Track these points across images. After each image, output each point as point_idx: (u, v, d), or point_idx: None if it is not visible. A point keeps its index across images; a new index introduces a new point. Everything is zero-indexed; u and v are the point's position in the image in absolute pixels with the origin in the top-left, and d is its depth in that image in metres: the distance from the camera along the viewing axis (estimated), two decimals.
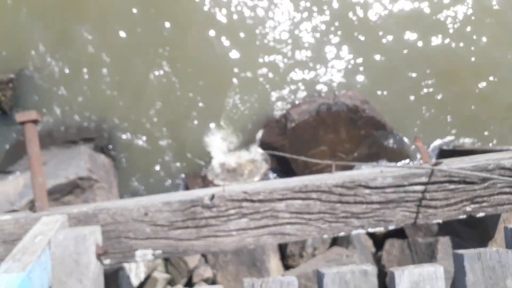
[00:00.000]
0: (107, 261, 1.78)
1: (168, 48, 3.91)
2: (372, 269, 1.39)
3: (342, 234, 1.89)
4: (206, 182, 3.67)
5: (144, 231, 1.80)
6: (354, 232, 1.90)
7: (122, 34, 3.88)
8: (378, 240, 3.58)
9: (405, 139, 3.96)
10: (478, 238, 2.90)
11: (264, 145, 3.93)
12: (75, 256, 1.48)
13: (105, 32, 3.87)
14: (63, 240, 1.48)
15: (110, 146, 3.70)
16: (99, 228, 1.70)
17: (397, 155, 3.91)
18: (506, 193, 1.92)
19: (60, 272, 1.47)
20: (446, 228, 3.25)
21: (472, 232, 3.09)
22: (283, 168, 3.93)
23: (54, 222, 1.62)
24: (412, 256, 3.16)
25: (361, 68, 4.11)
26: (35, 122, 1.80)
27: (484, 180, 1.88)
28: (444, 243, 3.03)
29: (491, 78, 4.09)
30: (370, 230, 1.90)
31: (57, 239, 1.48)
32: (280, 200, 1.87)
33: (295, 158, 3.73)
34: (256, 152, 3.88)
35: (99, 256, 1.59)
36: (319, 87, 4.07)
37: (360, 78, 4.10)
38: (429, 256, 3.05)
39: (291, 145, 3.85)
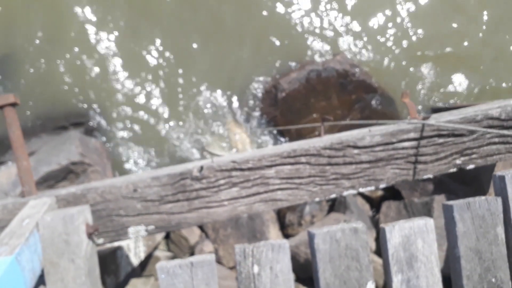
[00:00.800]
0: (100, 240, 1.78)
1: (155, 21, 3.84)
2: (362, 226, 1.39)
3: (333, 196, 1.89)
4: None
5: (135, 208, 1.79)
6: (345, 193, 1.89)
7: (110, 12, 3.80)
8: (375, 204, 3.60)
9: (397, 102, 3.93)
10: (473, 194, 2.91)
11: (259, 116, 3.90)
12: (64, 236, 1.47)
13: (98, 13, 3.79)
14: (51, 221, 1.47)
15: (101, 129, 3.67)
16: (88, 207, 1.69)
17: (389, 117, 3.89)
18: (495, 143, 1.90)
19: (50, 253, 1.47)
20: (441, 187, 3.26)
21: (467, 189, 3.11)
22: (277, 140, 3.92)
23: (41, 205, 1.61)
24: (409, 216, 3.18)
25: (349, 30, 4.04)
26: (13, 105, 1.76)
27: (473, 131, 1.87)
28: (439, 201, 3.04)
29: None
30: (361, 190, 1.90)
31: (44, 221, 1.47)
32: (270, 166, 1.85)
33: (287, 128, 3.72)
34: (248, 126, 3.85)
35: (90, 235, 1.59)
36: (307, 52, 4.01)
37: (348, 40, 4.03)
38: (426, 215, 3.07)
39: (283, 115, 3.83)
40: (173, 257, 3.27)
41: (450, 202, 1.41)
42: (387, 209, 3.35)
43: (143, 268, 2.98)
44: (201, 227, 3.38)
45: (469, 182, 3.16)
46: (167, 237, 3.33)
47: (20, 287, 1.27)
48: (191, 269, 1.32)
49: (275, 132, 3.87)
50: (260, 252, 1.34)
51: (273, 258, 1.34)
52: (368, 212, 3.62)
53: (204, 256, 1.35)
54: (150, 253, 3.07)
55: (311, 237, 1.38)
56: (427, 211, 3.07)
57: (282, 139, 3.84)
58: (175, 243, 3.34)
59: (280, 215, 3.53)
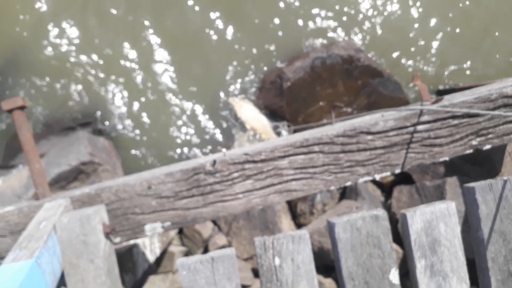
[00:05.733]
0: (117, 239, 1.77)
1: (158, 17, 3.80)
2: (383, 213, 1.37)
3: (348, 183, 1.86)
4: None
5: (150, 205, 1.78)
6: (360, 180, 1.87)
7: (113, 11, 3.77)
8: (386, 189, 3.57)
9: (404, 85, 3.88)
10: (485, 174, 2.88)
11: (261, 108, 3.87)
12: (82, 237, 1.47)
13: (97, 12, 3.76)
14: (68, 222, 1.46)
15: (108, 128, 3.66)
16: (103, 206, 1.68)
17: (396, 101, 3.85)
18: (511, 122, 1.87)
19: (69, 255, 1.46)
20: (452, 168, 3.23)
21: (479, 169, 3.07)
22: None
23: (57, 207, 1.60)
24: (422, 200, 3.16)
25: (351, 14, 3.99)
26: (22, 108, 1.75)
27: (482, 114, 1.83)
28: (452, 183, 3.01)
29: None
30: (377, 176, 1.87)
31: (61, 223, 1.46)
32: (283, 157, 1.83)
33: (298, 128, 3.68)
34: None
35: (107, 235, 1.58)
36: (310, 40, 3.96)
37: (350, 24, 3.98)
38: (438, 198, 3.04)
39: (289, 105, 3.80)
40: (187, 252, 3.28)
41: (472, 184, 1.38)
42: (399, 194, 3.33)
43: (158, 264, 2.98)
44: (213, 221, 3.38)
45: (480, 163, 3.13)
46: (180, 232, 3.33)
47: None
48: (212, 264, 1.31)
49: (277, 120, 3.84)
50: (281, 244, 1.33)
51: (294, 250, 1.33)
52: (380, 197, 3.59)
53: (224, 251, 1.34)
54: (165, 249, 3.08)
55: (331, 226, 1.37)
56: (440, 194, 3.04)
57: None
58: (189, 238, 3.35)
59: (292, 204, 3.52)
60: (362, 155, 1.84)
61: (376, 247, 1.34)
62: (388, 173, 1.87)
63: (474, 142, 1.87)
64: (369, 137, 1.83)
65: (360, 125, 1.83)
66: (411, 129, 1.84)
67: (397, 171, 1.86)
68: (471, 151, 1.89)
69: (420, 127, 1.85)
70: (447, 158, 1.88)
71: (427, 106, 1.81)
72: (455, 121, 1.85)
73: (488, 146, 1.88)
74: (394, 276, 1.34)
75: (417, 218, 1.35)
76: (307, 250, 1.33)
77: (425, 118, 1.84)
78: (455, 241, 1.34)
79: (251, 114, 3.79)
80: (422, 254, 1.34)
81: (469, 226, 1.45)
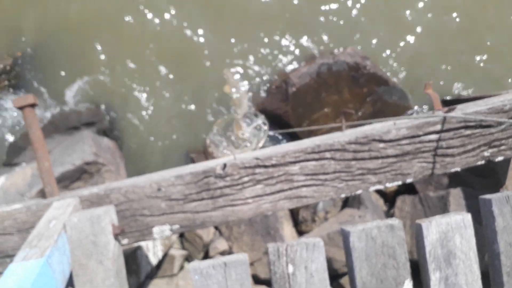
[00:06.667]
0: (125, 241, 1.75)
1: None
2: (398, 223, 1.35)
3: (359, 191, 1.85)
4: (206, 155, 3.62)
5: (159, 207, 1.76)
6: (371, 188, 1.86)
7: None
8: (390, 198, 3.56)
9: (409, 94, 3.88)
10: (490, 187, 2.87)
11: (266, 113, 3.86)
12: (92, 237, 1.45)
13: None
14: (78, 222, 1.44)
15: (113, 128, 3.64)
16: (113, 207, 1.67)
17: (401, 110, 3.85)
18: None
19: (79, 255, 1.44)
20: (456, 180, 3.22)
21: (483, 181, 3.06)
22: (289, 134, 3.89)
23: (66, 206, 1.58)
24: (425, 210, 3.14)
25: (358, 22, 3.99)
26: (33, 106, 1.73)
27: (501, 122, 1.83)
28: (455, 194, 3.00)
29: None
30: (388, 185, 1.86)
31: (72, 222, 1.44)
32: (294, 163, 1.82)
33: (301, 130, 3.67)
34: (258, 122, 3.81)
35: (116, 236, 1.56)
36: (316, 47, 3.96)
37: (356, 32, 3.99)
38: (442, 209, 3.03)
39: (294, 110, 3.79)
40: (188, 256, 3.25)
41: (488, 196, 1.37)
42: (402, 204, 3.31)
43: (158, 267, 2.96)
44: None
45: (485, 175, 3.12)
46: (181, 235, 3.31)
47: None
48: (225, 270, 1.29)
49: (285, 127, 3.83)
50: (294, 251, 1.31)
51: (307, 257, 1.31)
52: (383, 207, 3.58)
53: (237, 256, 1.32)
54: (166, 252, 3.05)
55: (345, 235, 1.35)
56: (443, 205, 3.03)
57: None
58: (190, 241, 3.32)
59: (294, 211, 3.50)
60: (374, 163, 1.83)
61: (391, 258, 1.32)
62: (400, 182, 1.85)
63: (486, 153, 1.86)
64: (381, 145, 1.82)
65: (372, 132, 1.82)
66: (424, 138, 1.83)
67: (409, 180, 1.85)
68: (483, 162, 1.88)
69: (432, 137, 1.84)
70: (458, 169, 1.87)
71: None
72: (468, 131, 1.84)
73: (500, 158, 1.87)
74: (408, 287, 1.33)
75: (433, 229, 1.33)
76: (321, 258, 1.31)
77: (437, 127, 1.83)
78: (471, 254, 1.33)
79: (236, 92, 3.80)
80: (436, 266, 1.32)
81: (483, 239, 1.44)
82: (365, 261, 1.31)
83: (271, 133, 3.76)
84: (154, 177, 1.83)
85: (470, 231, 1.33)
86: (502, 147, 1.86)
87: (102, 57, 3.70)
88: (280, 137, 3.87)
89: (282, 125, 3.84)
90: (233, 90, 3.79)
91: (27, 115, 1.74)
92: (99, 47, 3.72)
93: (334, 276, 2.91)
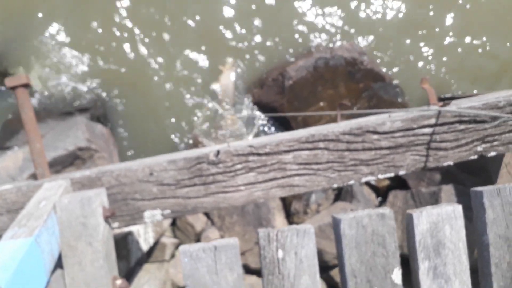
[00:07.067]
0: (115, 224, 1.74)
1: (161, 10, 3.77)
2: (389, 212, 1.35)
3: (351, 182, 1.85)
4: (195, 143, 3.61)
5: (151, 191, 1.76)
6: (364, 179, 1.86)
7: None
8: (382, 193, 3.57)
9: (405, 90, 3.88)
10: (481, 184, 2.89)
11: (262, 105, 3.85)
12: (82, 219, 1.44)
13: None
14: (68, 203, 1.43)
15: (107, 115, 3.62)
16: (104, 190, 1.66)
17: (396, 107, 3.86)
18: None
19: (68, 236, 1.43)
20: (448, 176, 3.24)
21: (475, 179, 3.08)
22: (283, 128, 3.88)
23: (57, 187, 1.57)
24: (416, 206, 3.16)
25: (355, 18, 3.98)
26: (26, 86, 1.72)
27: (495, 118, 1.83)
28: (447, 190, 3.02)
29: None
30: (380, 176, 1.86)
31: (62, 203, 1.43)
32: (287, 152, 1.82)
33: (296, 115, 3.68)
34: (251, 112, 3.80)
35: (107, 218, 1.55)
36: (314, 40, 3.95)
37: (354, 27, 3.98)
38: (433, 204, 3.04)
39: (290, 103, 3.78)
40: (179, 244, 3.25)
41: (479, 188, 1.38)
42: (394, 199, 3.33)
43: (149, 254, 2.96)
44: (207, 214, 3.35)
45: (476, 172, 3.13)
46: (173, 223, 3.31)
47: (39, 269, 1.23)
48: (215, 253, 1.29)
49: (280, 118, 3.83)
50: (285, 237, 1.31)
51: (297, 243, 1.31)
52: (375, 201, 3.59)
53: (228, 240, 1.32)
54: (157, 240, 3.05)
55: (336, 222, 1.35)
56: (435, 201, 3.04)
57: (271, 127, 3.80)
58: (181, 230, 3.32)
59: (286, 203, 3.51)
60: (367, 154, 1.83)
61: (380, 246, 1.33)
62: (392, 174, 1.86)
63: (479, 148, 1.87)
64: (375, 136, 1.82)
65: (367, 124, 1.82)
66: (418, 131, 1.84)
67: (401, 172, 1.86)
68: (475, 157, 1.88)
69: (426, 130, 1.84)
70: (451, 163, 1.87)
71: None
72: (462, 126, 1.84)
73: (493, 153, 1.88)
74: (397, 276, 1.33)
75: (423, 219, 1.34)
76: (311, 244, 1.31)
77: (432, 121, 1.83)
78: (460, 245, 1.34)
79: (226, 81, 3.79)
80: (426, 256, 1.33)
81: (473, 234, 1.45)
82: (355, 249, 1.31)
83: (261, 117, 3.76)
84: (147, 161, 1.83)
85: (460, 222, 1.34)
86: (495, 143, 1.87)
87: (98, 39, 3.67)
88: (274, 130, 3.87)
89: (277, 118, 3.84)
90: (224, 79, 3.78)
91: (20, 95, 1.72)
92: (96, 26, 3.69)
93: (325, 268, 2.93)
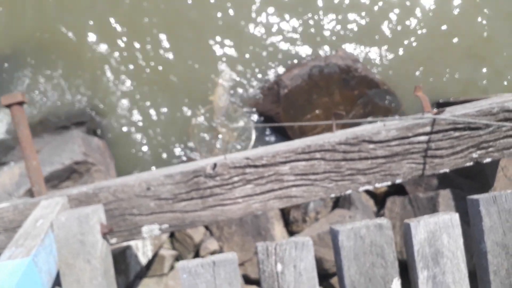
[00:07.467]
0: (113, 240, 1.74)
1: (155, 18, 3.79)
2: (386, 222, 1.36)
3: (349, 192, 1.86)
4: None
5: (148, 206, 1.75)
6: (361, 188, 1.87)
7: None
8: (380, 199, 3.58)
9: (399, 96, 3.90)
10: (478, 189, 2.90)
11: (258, 114, 3.87)
12: (79, 236, 1.43)
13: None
14: (66, 221, 1.43)
15: (103, 128, 3.61)
16: (101, 206, 1.65)
17: (392, 113, 3.88)
18: (511, 136, 1.88)
19: (66, 254, 1.43)
20: (445, 181, 3.25)
21: (472, 183, 3.09)
22: (280, 136, 3.89)
23: (54, 205, 1.57)
24: (414, 211, 3.17)
25: (348, 27, 4.01)
26: (21, 103, 1.72)
27: (489, 124, 1.85)
28: (445, 195, 3.03)
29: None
30: (377, 185, 1.87)
31: (59, 221, 1.42)
32: (284, 163, 1.82)
33: (292, 125, 3.69)
34: (247, 122, 3.81)
35: (104, 235, 1.55)
36: (308, 49, 3.98)
37: (347, 37, 4.01)
38: (431, 209, 3.05)
39: (286, 112, 3.79)
40: (178, 256, 3.24)
41: (476, 196, 1.38)
42: (392, 205, 3.33)
43: (148, 267, 2.94)
44: (205, 225, 3.34)
45: (473, 177, 3.15)
46: (172, 235, 3.29)
47: None
48: (213, 269, 1.29)
49: (276, 128, 3.84)
50: (284, 250, 1.31)
51: (296, 256, 1.31)
52: (373, 208, 3.60)
53: (226, 255, 1.32)
54: (156, 252, 3.04)
55: (334, 234, 1.35)
56: (432, 206, 3.05)
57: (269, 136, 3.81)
58: (180, 242, 3.31)
59: (285, 212, 3.51)
60: (364, 164, 1.84)
61: (379, 257, 1.33)
62: (389, 183, 1.86)
63: (474, 155, 1.88)
64: (371, 145, 1.83)
65: (363, 133, 1.83)
66: (413, 139, 1.85)
67: (398, 181, 1.86)
68: (471, 163, 1.90)
69: (421, 138, 1.85)
70: (447, 170, 1.88)
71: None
72: (457, 133, 1.86)
73: (488, 159, 1.89)
74: (396, 286, 1.34)
75: (421, 229, 1.34)
76: (309, 257, 1.31)
77: (427, 129, 1.84)
78: (458, 253, 1.34)
79: (221, 92, 3.81)
80: (424, 265, 1.33)
81: (471, 239, 1.45)
82: (353, 260, 1.32)
83: (258, 128, 3.77)
84: (144, 176, 1.83)
85: (457, 231, 1.34)
86: (490, 149, 1.88)
87: (93, 56, 3.68)
88: (271, 139, 3.87)
89: (274, 127, 3.85)
90: (219, 90, 3.79)
91: (15, 113, 1.73)
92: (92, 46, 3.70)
93: (324, 275, 2.92)
